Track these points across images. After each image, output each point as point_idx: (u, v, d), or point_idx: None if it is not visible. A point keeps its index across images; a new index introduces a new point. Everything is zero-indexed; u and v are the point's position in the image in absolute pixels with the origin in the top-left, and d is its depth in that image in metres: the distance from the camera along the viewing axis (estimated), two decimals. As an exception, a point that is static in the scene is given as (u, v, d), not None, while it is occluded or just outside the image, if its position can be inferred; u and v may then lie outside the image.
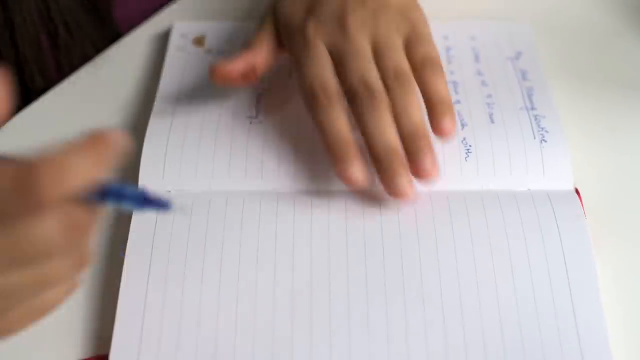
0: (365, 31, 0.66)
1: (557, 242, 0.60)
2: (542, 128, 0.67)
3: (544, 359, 0.54)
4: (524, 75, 0.72)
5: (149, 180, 0.64)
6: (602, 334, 0.55)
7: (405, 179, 0.60)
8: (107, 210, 0.48)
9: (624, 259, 0.61)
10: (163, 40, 0.77)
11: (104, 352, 0.56)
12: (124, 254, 0.60)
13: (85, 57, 0.75)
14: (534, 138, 0.66)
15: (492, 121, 0.68)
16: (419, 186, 0.62)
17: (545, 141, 0.66)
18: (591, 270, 0.58)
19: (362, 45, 0.65)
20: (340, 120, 0.62)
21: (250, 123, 0.68)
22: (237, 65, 0.67)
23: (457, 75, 0.73)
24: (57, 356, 0.56)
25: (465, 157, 0.66)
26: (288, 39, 0.68)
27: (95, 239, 0.57)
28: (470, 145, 0.66)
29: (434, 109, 0.63)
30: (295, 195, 0.63)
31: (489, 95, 0.71)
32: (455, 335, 0.55)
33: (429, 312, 0.56)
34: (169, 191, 0.64)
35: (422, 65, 0.65)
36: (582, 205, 0.62)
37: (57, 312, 0.57)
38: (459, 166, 0.65)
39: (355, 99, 0.63)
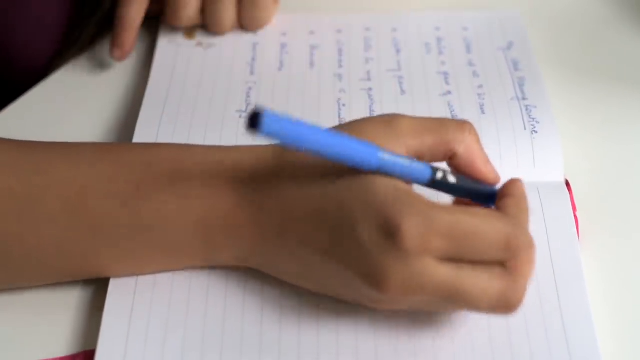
0: None
1: (543, 235, 0.59)
2: (533, 119, 0.67)
3: (530, 352, 0.54)
4: (515, 65, 0.72)
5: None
6: (589, 324, 0.55)
7: None
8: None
9: (614, 250, 0.61)
10: (154, 31, 0.77)
11: (90, 348, 0.56)
12: None
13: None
14: (525, 129, 0.66)
15: (483, 112, 0.68)
16: None
17: (536, 132, 0.66)
18: (576, 264, 0.58)
19: None
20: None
21: (240, 117, 0.68)
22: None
23: (448, 66, 0.73)
24: (44, 351, 0.56)
25: (455, 148, 0.66)
26: None
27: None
28: (460, 137, 0.66)
29: None
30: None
31: (480, 86, 0.71)
32: (442, 332, 0.55)
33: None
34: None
35: None
36: (573, 196, 0.62)
37: (45, 307, 0.58)
38: (449, 158, 0.65)
39: None
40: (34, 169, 0.56)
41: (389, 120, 0.55)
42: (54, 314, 0.58)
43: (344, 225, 0.52)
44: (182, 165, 0.56)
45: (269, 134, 0.47)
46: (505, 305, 0.52)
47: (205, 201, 0.55)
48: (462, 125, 0.55)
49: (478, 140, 0.56)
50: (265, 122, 0.47)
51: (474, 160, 0.55)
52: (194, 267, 0.58)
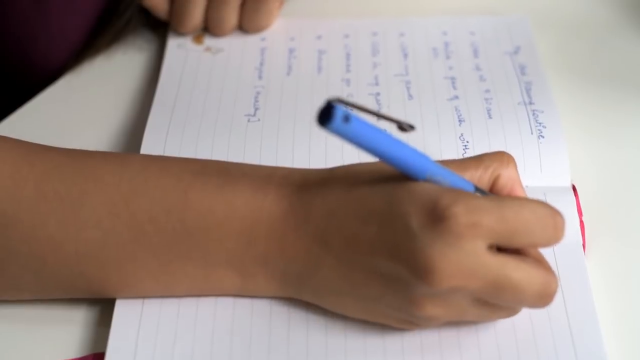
0: None
1: None
2: (540, 123, 0.67)
3: (537, 358, 0.54)
4: (522, 70, 0.73)
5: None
6: (595, 328, 0.55)
7: None
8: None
9: (620, 255, 0.61)
10: (162, 36, 0.77)
11: (100, 350, 0.56)
12: None
13: None
14: (532, 134, 0.67)
15: (490, 116, 0.68)
16: None
17: (543, 137, 0.66)
18: (582, 268, 0.58)
19: None
20: None
21: (249, 121, 0.69)
22: None
23: (455, 70, 0.73)
24: (54, 353, 0.57)
25: (463, 153, 0.66)
26: None
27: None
28: (467, 142, 0.67)
29: None
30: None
31: (487, 90, 0.71)
32: (449, 335, 0.56)
33: None
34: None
35: None
36: (579, 201, 0.62)
37: (54, 309, 0.58)
38: (456, 162, 0.65)
39: None
40: (81, 174, 0.56)
41: None
42: (63, 315, 0.58)
43: (393, 217, 0.52)
44: (230, 176, 0.56)
45: (337, 130, 0.48)
46: (546, 293, 0.52)
47: (252, 209, 0.55)
48: (501, 153, 0.56)
49: (516, 168, 0.56)
50: (337, 116, 0.48)
51: (514, 184, 0.56)
52: (223, 293, 0.57)
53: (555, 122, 0.67)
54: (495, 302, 0.53)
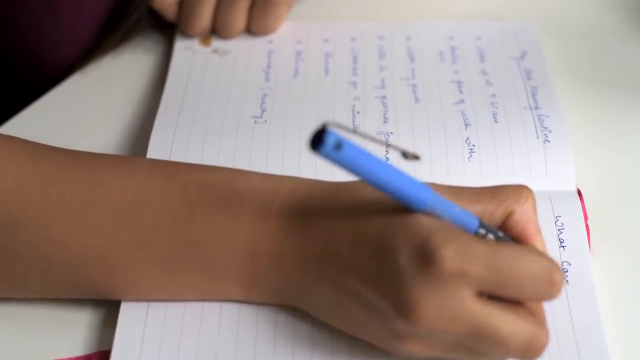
0: None
1: (555, 243, 0.60)
2: (546, 128, 0.67)
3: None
4: (528, 75, 0.73)
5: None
6: (599, 332, 0.55)
7: None
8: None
9: (624, 260, 0.61)
10: (170, 38, 0.77)
11: (106, 348, 0.57)
12: None
13: None
14: (537, 138, 0.67)
15: (496, 121, 0.69)
16: None
17: (549, 141, 0.66)
18: (587, 273, 0.58)
19: None
20: None
21: (255, 123, 0.69)
22: None
23: (461, 74, 0.73)
24: (59, 350, 0.57)
25: (469, 157, 0.66)
26: None
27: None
28: (473, 145, 0.67)
29: None
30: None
31: (493, 95, 0.71)
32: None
33: None
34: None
35: None
36: (584, 206, 0.63)
37: (61, 307, 0.58)
38: (462, 166, 0.66)
39: None
40: (87, 178, 0.56)
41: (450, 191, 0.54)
42: (68, 315, 0.58)
43: (384, 250, 0.51)
44: (236, 188, 0.55)
45: (328, 156, 0.47)
46: (533, 348, 0.51)
47: (255, 226, 0.54)
48: (521, 187, 0.55)
49: (534, 205, 0.55)
50: (328, 142, 0.46)
51: (528, 222, 0.54)
52: (227, 300, 0.57)
53: (561, 127, 0.67)
54: (478, 350, 0.51)
